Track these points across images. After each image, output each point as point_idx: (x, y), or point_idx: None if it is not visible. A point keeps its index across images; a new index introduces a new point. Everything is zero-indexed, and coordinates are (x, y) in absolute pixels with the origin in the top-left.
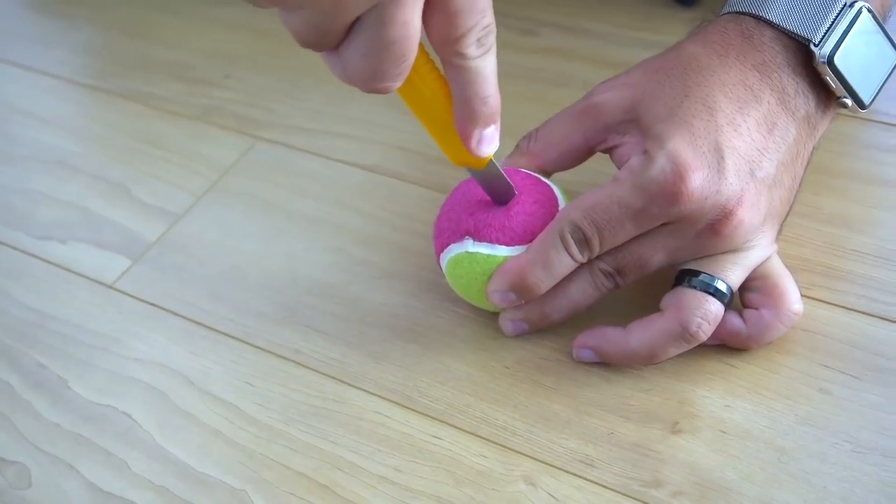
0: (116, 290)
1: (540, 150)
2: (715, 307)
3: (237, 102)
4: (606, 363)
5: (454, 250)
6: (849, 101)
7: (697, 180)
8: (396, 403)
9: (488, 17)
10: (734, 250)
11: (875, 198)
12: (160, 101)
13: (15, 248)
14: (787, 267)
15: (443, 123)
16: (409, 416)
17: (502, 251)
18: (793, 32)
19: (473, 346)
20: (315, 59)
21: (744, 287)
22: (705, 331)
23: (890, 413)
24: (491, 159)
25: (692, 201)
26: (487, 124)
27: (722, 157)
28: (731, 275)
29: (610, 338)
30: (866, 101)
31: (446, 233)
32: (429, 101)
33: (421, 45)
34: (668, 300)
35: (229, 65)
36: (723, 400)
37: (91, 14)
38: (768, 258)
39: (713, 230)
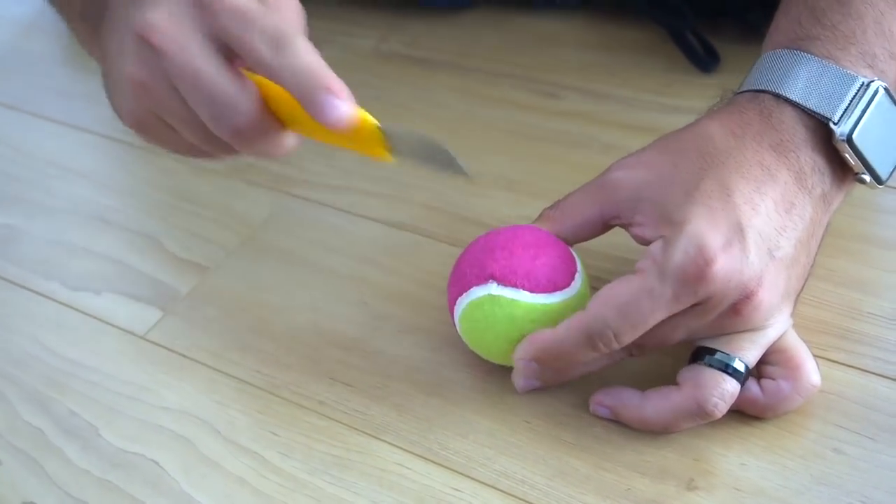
0: (148, 340)
1: (558, 217)
2: (731, 386)
3: (268, 160)
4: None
5: (476, 293)
6: (867, 178)
7: (722, 260)
8: (418, 455)
9: (267, 21)
10: (752, 329)
11: (891, 262)
12: None
13: (50, 299)
14: (805, 328)
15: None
16: (429, 468)
17: (526, 297)
18: (812, 111)
19: (494, 400)
20: None
21: (761, 361)
22: (721, 409)
23: None
24: (381, 130)
25: (718, 281)
26: (318, 92)
27: (743, 237)
28: (748, 354)
29: (626, 402)
30: (884, 176)
31: (467, 276)
32: (317, 128)
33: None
34: (685, 375)
35: None
36: (738, 458)
37: None
38: (785, 333)
39: (735, 310)
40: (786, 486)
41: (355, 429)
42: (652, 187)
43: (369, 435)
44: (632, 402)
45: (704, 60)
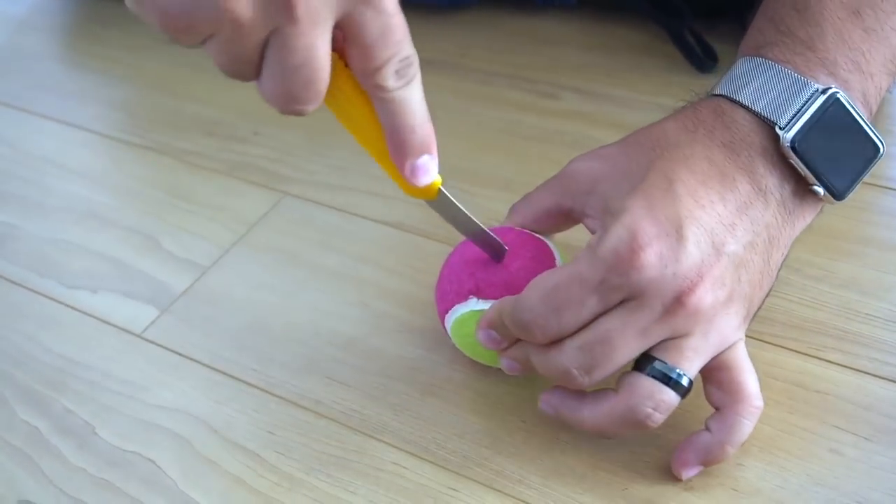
0: (144, 339)
1: (518, 208)
2: (669, 397)
3: (265, 158)
4: None
5: (459, 311)
6: (820, 190)
7: (654, 247)
8: (414, 455)
9: (406, 49)
10: (696, 334)
11: (889, 263)
12: (191, 155)
13: (47, 297)
14: (802, 329)
15: (384, 152)
16: (426, 467)
17: None
18: (760, 114)
19: (491, 400)
20: None
21: (706, 378)
22: (655, 420)
23: None
24: (440, 190)
25: (651, 268)
26: (419, 154)
27: (681, 226)
28: (689, 364)
29: (566, 402)
30: (839, 189)
31: (450, 295)
32: (365, 130)
33: (347, 71)
34: (623, 381)
35: (258, 121)
36: (735, 458)
37: (125, 71)
38: (733, 345)
39: (679, 302)
40: (783, 486)
41: (352, 428)
42: (604, 179)
43: (366, 434)
44: (570, 403)
45: (702, 61)
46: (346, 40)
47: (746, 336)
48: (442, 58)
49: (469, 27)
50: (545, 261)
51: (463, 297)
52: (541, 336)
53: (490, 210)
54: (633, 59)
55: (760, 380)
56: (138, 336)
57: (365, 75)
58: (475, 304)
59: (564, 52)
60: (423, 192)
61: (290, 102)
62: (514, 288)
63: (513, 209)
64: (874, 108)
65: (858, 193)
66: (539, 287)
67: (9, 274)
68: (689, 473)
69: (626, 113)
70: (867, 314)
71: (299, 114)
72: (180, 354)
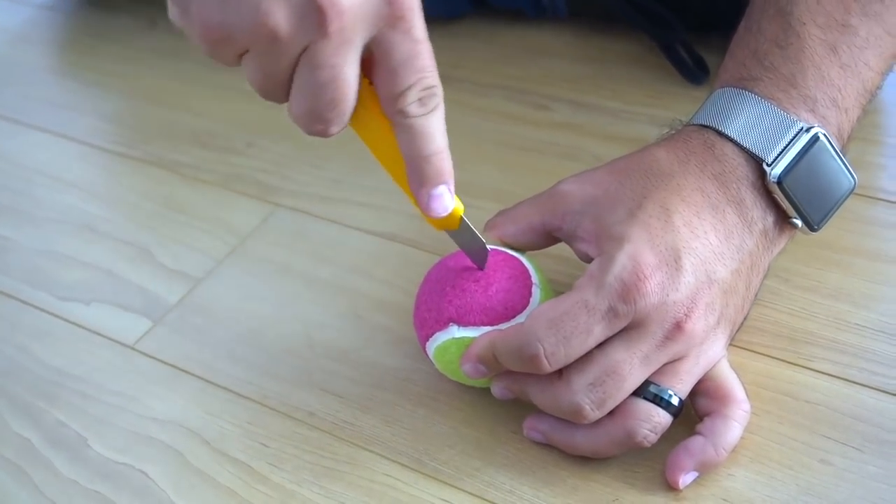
0: (137, 350)
1: (499, 223)
2: (663, 418)
3: (258, 170)
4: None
5: (440, 338)
6: (798, 223)
7: (657, 276)
8: (406, 466)
9: (430, 79)
10: (690, 357)
11: (879, 274)
12: (184, 167)
13: (39, 309)
14: (792, 339)
15: (405, 179)
16: (418, 479)
17: (487, 331)
18: (748, 150)
19: (482, 411)
20: None
21: (694, 391)
22: (651, 441)
23: (890, 485)
24: (462, 218)
25: (655, 295)
26: (435, 184)
27: (679, 256)
28: (682, 385)
29: (557, 427)
30: (816, 224)
31: (429, 322)
32: (389, 157)
33: (376, 96)
34: (618, 404)
35: (251, 133)
36: (726, 469)
37: (119, 83)
38: (718, 362)
39: (678, 328)
40: (773, 496)
41: (345, 440)
42: (596, 204)
43: (359, 446)
44: (562, 428)
45: (694, 72)
46: (374, 63)
47: (736, 346)
48: None
49: (462, 39)
50: (522, 279)
51: (443, 325)
52: (548, 366)
53: (481, 220)
54: (624, 70)
55: (751, 390)
56: (131, 348)
57: (389, 100)
58: (456, 332)
59: (557, 63)
60: (444, 223)
61: (314, 121)
62: (493, 312)
63: (492, 224)
64: (846, 141)
65: (848, 204)
66: (545, 317)
67: (1, 285)
68: (685, 480)
69: (618, 124)
70: (857, 324)
71: (323, 134)
72: (173, 366)
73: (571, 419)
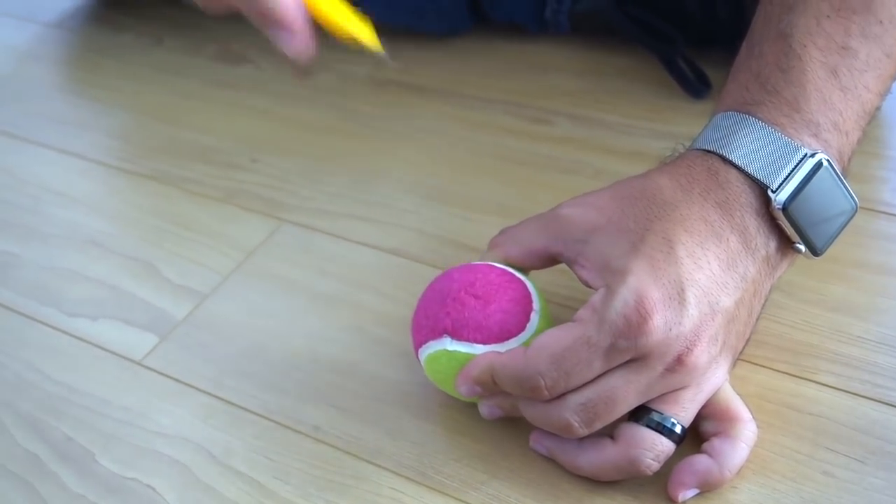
0: (144, 366)
1: (503, 242)
2: (666, 447)
3: (263, 185)
4: None
5: (432, 347)
6: (802, 248)
7: (661, 312)
8: (412, 480)
9: None
10: (692, 386)
11: (881, 286)
12: (189, 183)
13: (46, 325)
14: (795, 352)
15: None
16: (423, 492)
17: (479, 349)
18: (753, 176)
19: (486, 425)
20: (338, 145)
21: (699, 415)
22: (653, 469)
23: (893, 497)
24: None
25: (657, 333)
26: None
27: (682, 290)
28: (685, 413)
29: (562, 446)
30: (819, 249)
31: (424, 329)
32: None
33: None
34: (621, 432)
35: (255, 149)
36: (730, 482)
37: (124, 99)
38: (720, 388)
39: (680, 362)
40: None
41: (350, 454)
42: (599, 231)
43: (364, 460)
44: (567, 448)
45: (696, 86)
46: None
47: (739, 359)
48: (437, 85)
49: (464, 54)
50: (524, 303)
51: (438, 335)
52: (548, 396)
53: (483, 235)
54: (625, 85)
55: (754, 402)
56: (138, 363)
57: None
58: (449, 344)
59: (558, 78)
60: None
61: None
62: (489, 331)
63: (496, 243)
64: (847, 164)
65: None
66: (547, 351)
67: (8, 302)
68: (685, 495)
69: (620, 138)
70: (859, 337)
71: (274, 16)
72: (180, 381)
73: (559, 433)
